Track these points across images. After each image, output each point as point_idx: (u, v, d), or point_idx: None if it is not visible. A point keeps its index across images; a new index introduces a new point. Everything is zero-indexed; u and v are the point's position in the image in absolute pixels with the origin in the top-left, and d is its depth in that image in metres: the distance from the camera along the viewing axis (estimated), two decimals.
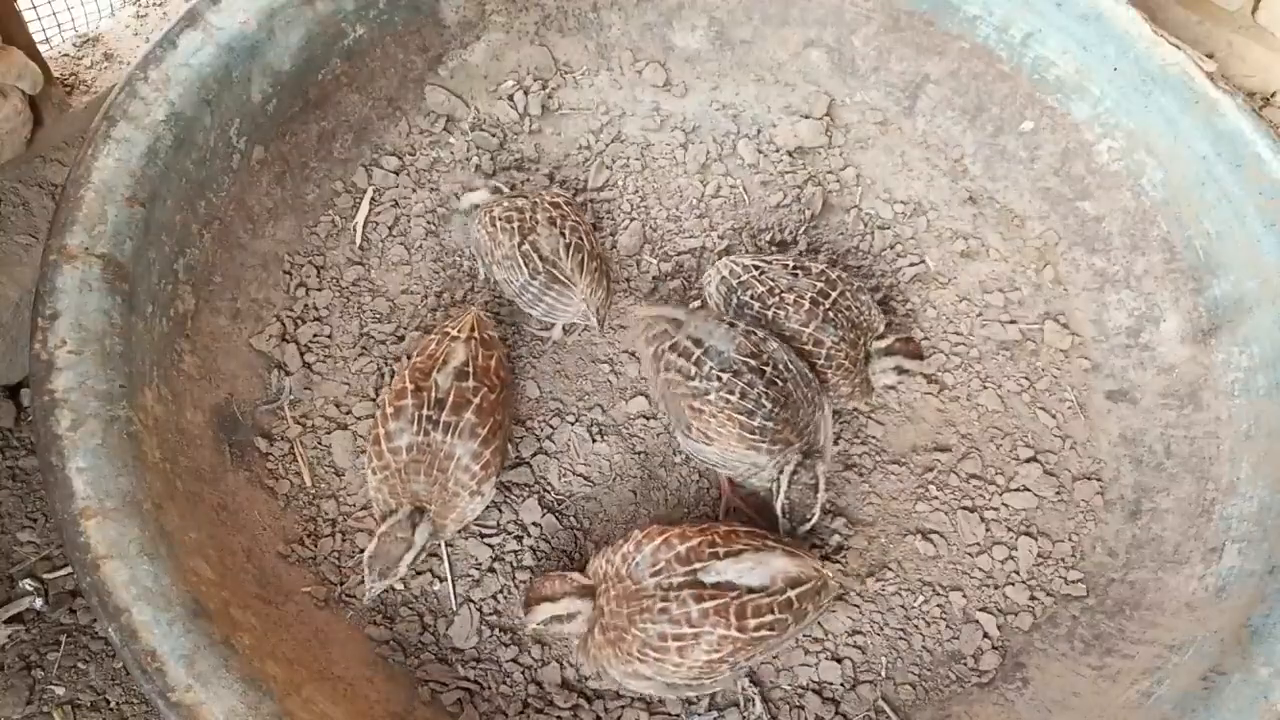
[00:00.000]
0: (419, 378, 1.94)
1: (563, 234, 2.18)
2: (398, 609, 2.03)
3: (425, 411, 1.90)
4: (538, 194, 2.27)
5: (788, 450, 1.94)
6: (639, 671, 1.77)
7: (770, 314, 2.13)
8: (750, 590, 1.76)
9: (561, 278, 2.15)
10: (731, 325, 2.03)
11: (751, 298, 2.15)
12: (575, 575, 1.83)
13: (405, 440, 1.88)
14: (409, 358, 2.02)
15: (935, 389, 2.35)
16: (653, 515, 2.17)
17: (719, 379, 1.95)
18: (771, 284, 2.14)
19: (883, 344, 2.16)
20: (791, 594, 1.78)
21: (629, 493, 2.19)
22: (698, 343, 2.00)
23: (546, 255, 2.16)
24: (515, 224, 2.18)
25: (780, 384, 1.95)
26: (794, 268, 2.18)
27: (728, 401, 1.94)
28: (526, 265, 2.15)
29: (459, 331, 2.03)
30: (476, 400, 1.93)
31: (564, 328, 2.30)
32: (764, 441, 1.93)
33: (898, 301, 2.43)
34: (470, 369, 1.96)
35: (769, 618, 1.75)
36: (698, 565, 1.76)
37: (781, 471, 1.94)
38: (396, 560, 1.84)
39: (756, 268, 2.17)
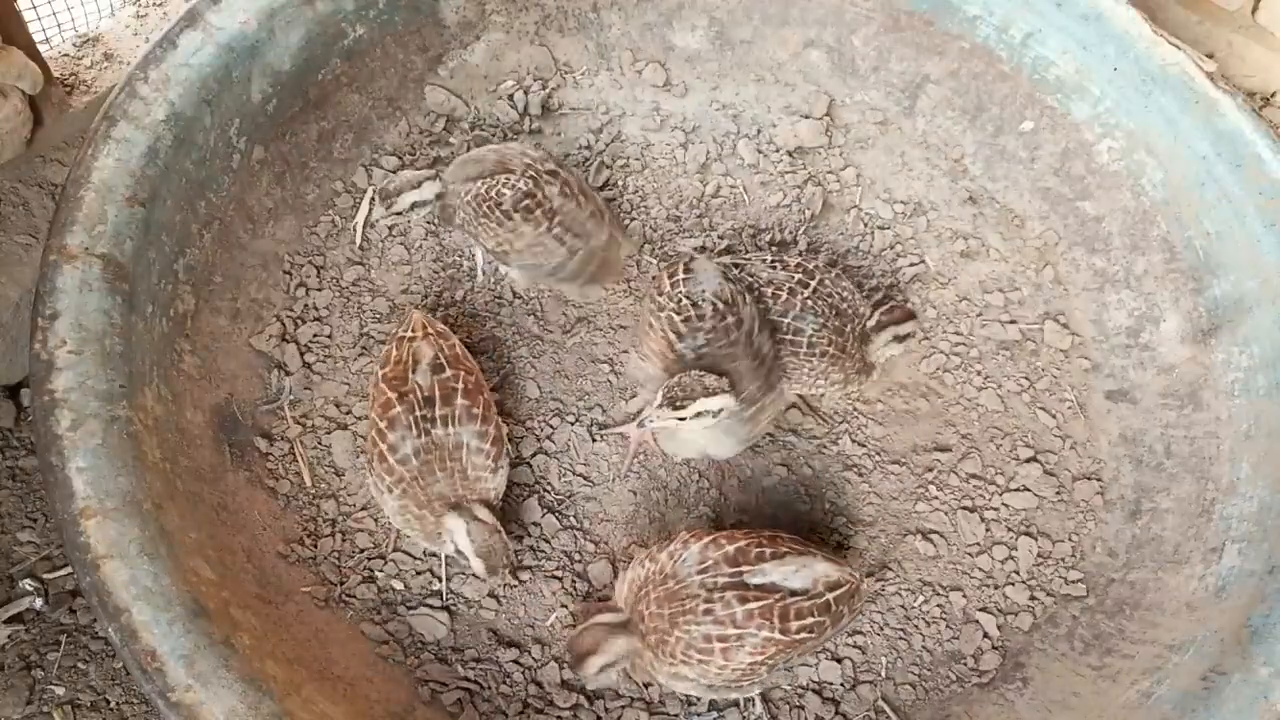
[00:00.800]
0: (397, 385, 1.94)
1: (579, 202, 2.18)
2: (396, 608, 2.03)
3: (418, 413, 1.90)
4: (515, 159, 2.18)
5: (683, 377, 1.86)
6: (682, 674, 1.78)
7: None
8: (793, 593, 1.78)
9: (599, 248, 2.20)
10: (728, 277, 2.04)
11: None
12: (607, 616, 1.82)
13: (409, 447, 1.88)
14: (378, 372, 2.00)
15: (936, 385, 2.35)
16: (652, 516, 2.17)
17: (679, 302, 1.99)
18: (750, 279, 2.14)
19: (871, 320, 2.16)
20: (830, 597, 1.80)
21: (629, 493, 2.19)
22: (688, 270, 2.04)
23: (579, 231, 2.17)
24: (537, 210, 2.14)
25: (729, 337, 1.95)
26: (771, 261, 2.18)
27: (672, 321, 1.97)
28: (563, 245, 2.17)
29: (414, 332, 2.03)
30: (460, 385, 1.94)
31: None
32: (676, 365, 1.94)
33: (898, 302, 2.43)
34: (442, 359, 1.97)
35: (809, 620, 1.77)
36: (745, 567, 1.78)
37: (660, 393, 1.87)
38: (502, 549, 1.86)
39: (735, 265, 2.17)
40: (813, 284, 2.13)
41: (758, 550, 1.80)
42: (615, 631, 1.79)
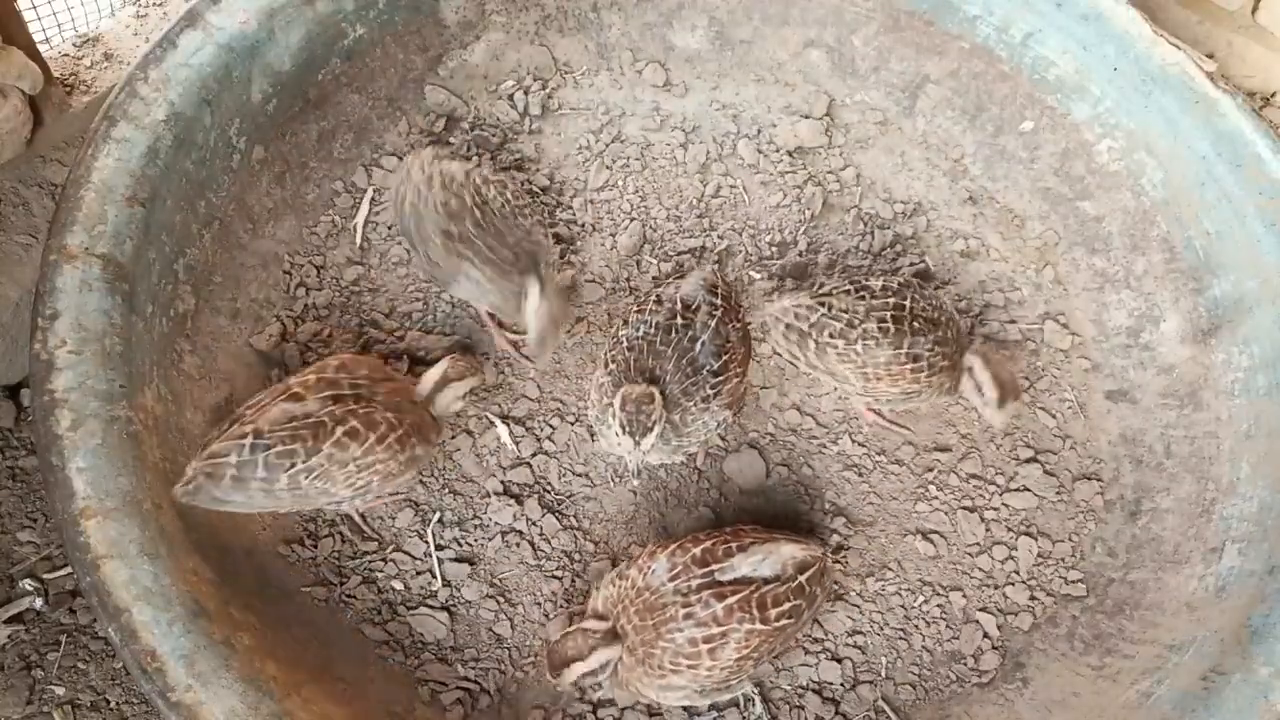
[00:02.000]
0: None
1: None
2: (396, 608, 2.03)
3: None
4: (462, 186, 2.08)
5: (630, 409, 1.84)
6: (672, 684, 1.78)
7: (859, 347, 2.03)
8: (766, 581, 1.79)
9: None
10: (711, 302, 1.99)
11: (831, 337, 2.05)
12: (590, 624, 1.81)
13: None
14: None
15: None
16: (651, 516, 2.17)
17: (650, 296, 2.03)
18: (847, 317, 2.05)
19: (975, 366, 2.07)
20: (801, 579, 1.82)
21: (629, 493, 2.19)
22: (680, 275, 2.06)
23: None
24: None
25: (666, 339, 1.93)
26: (857, 291, 2.09)
27: (630, 309, 2.04)
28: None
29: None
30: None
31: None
32: (613, 350, 1.97)
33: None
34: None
35: (787, 605, 1.79)
36: (714, 565, 1.79)
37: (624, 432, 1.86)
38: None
39: (821, 304, 2.08)
40: (908, 304, 2.05)
41: (724, 547, 1.82)
42: (607, 640, 1.78)
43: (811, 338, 2.08)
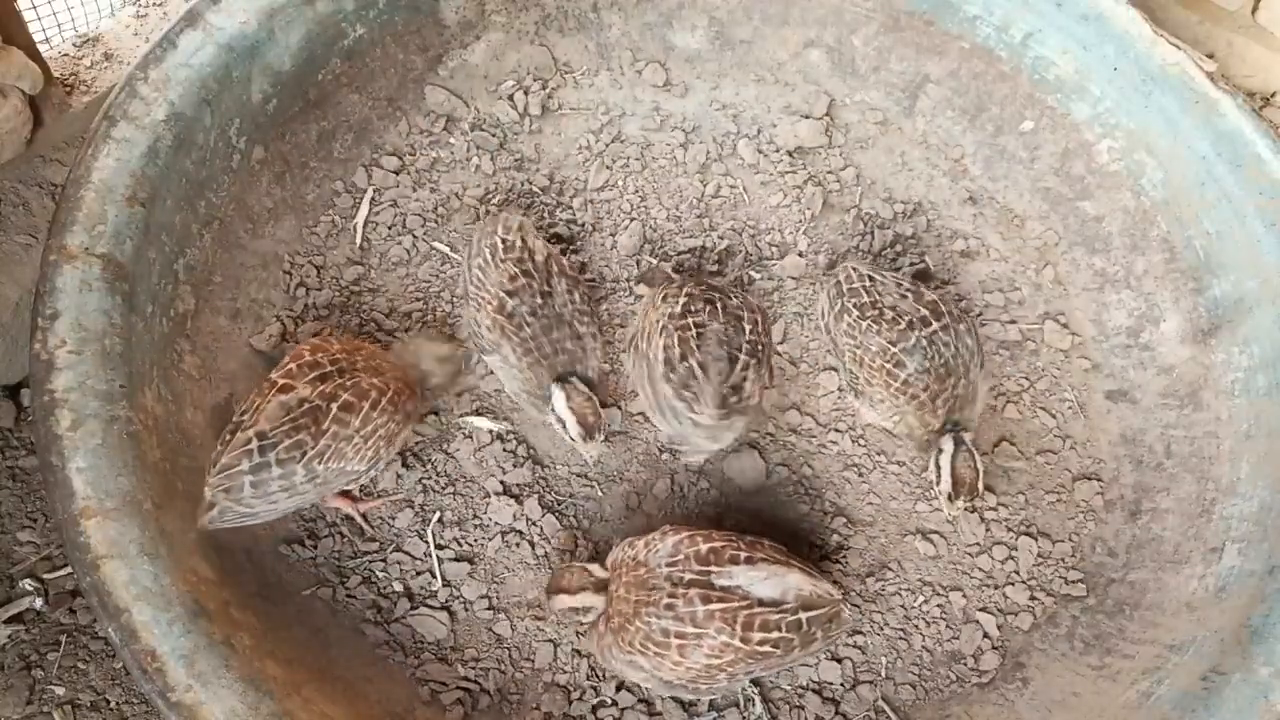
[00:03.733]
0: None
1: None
2: (396, 608, 2.03)
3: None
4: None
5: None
6: (637, 664, 1.77)
7: (865, 325, 2.06)
8: (760, 602, 1.74)
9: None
10: (732, 348, 1.98)
11: (854, 305, 2.09)
12: (593, 568, 1.84)
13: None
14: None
15: None
16: (651, 516, 2.17)
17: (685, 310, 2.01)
18: (877, 297, 2.09)
19: (944, 465, 2.00)
20: (803, 615, 1.76)
21: (629, 493, 2.19)
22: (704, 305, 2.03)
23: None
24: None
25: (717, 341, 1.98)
26: (906, 289, 2.11)
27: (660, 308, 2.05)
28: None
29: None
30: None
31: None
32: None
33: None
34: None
35: (774, 634, 1.73)
36: (714, 567, 1.75)
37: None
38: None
39: (870, 278, 2.12)
40: (935, 325, 2.03)
41: (732, 553, 1.78)
42: (598, 587, 1.81)
43: (844, 297, 2.12)
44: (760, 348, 2.02)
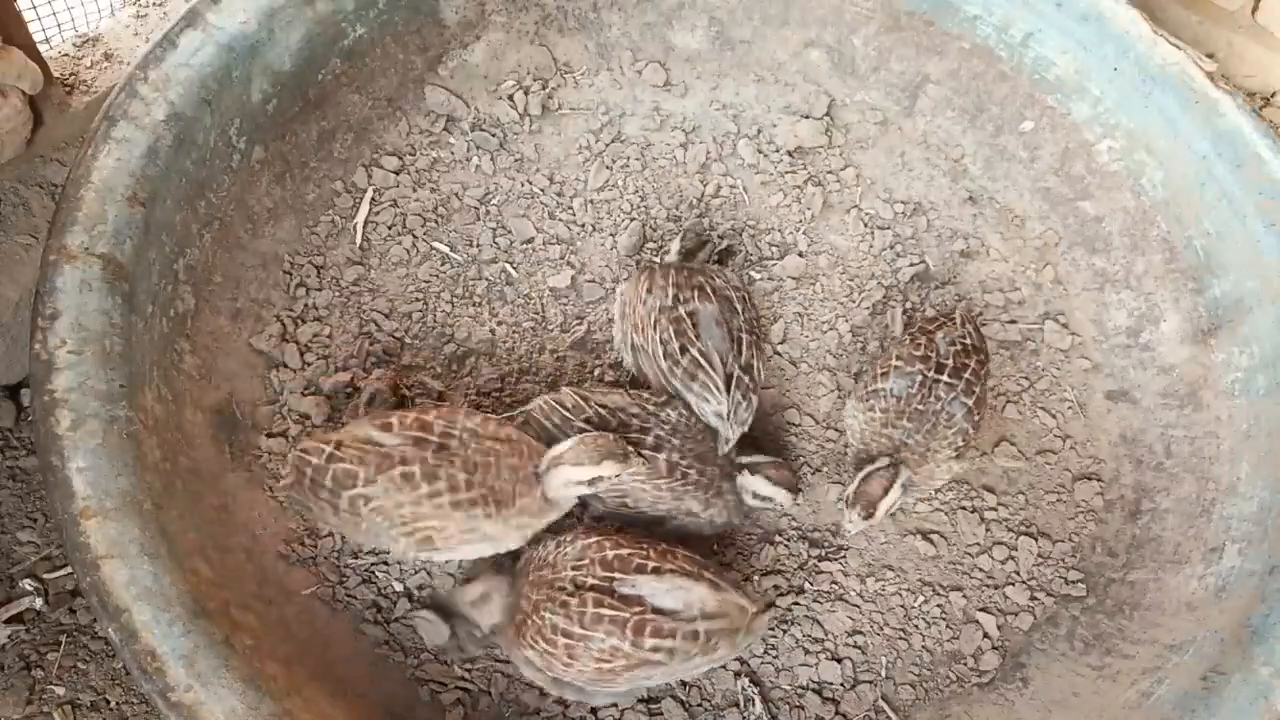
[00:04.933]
0: None
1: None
2: (396, 608, 2.03)
3: None
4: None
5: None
6: (530, 659, 1.77)
7: (905, 349, 2.08)
8: (657, 610, 1.72)
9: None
10: (733, 330, 2.00)
11: (908, 336, 2.13)
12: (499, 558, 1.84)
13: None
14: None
15: None
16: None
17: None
18: (934, 341, 2.07)
19: (881, 463, 1.98)
20: (701, 626, 1.73)
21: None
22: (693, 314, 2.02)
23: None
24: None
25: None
26: (962, 350, 2.07)
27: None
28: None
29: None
30: None
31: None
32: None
33: (897, 301, 2.43)
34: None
35: (669, 643, 1.71)
36: (618, 575, 1.74)
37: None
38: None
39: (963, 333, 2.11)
40: (943, 378, 2.00)
41: (639, 562, 1.75)
42: (495, 571, 1.82)
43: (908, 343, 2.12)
44: (756, 322, 2.05)
